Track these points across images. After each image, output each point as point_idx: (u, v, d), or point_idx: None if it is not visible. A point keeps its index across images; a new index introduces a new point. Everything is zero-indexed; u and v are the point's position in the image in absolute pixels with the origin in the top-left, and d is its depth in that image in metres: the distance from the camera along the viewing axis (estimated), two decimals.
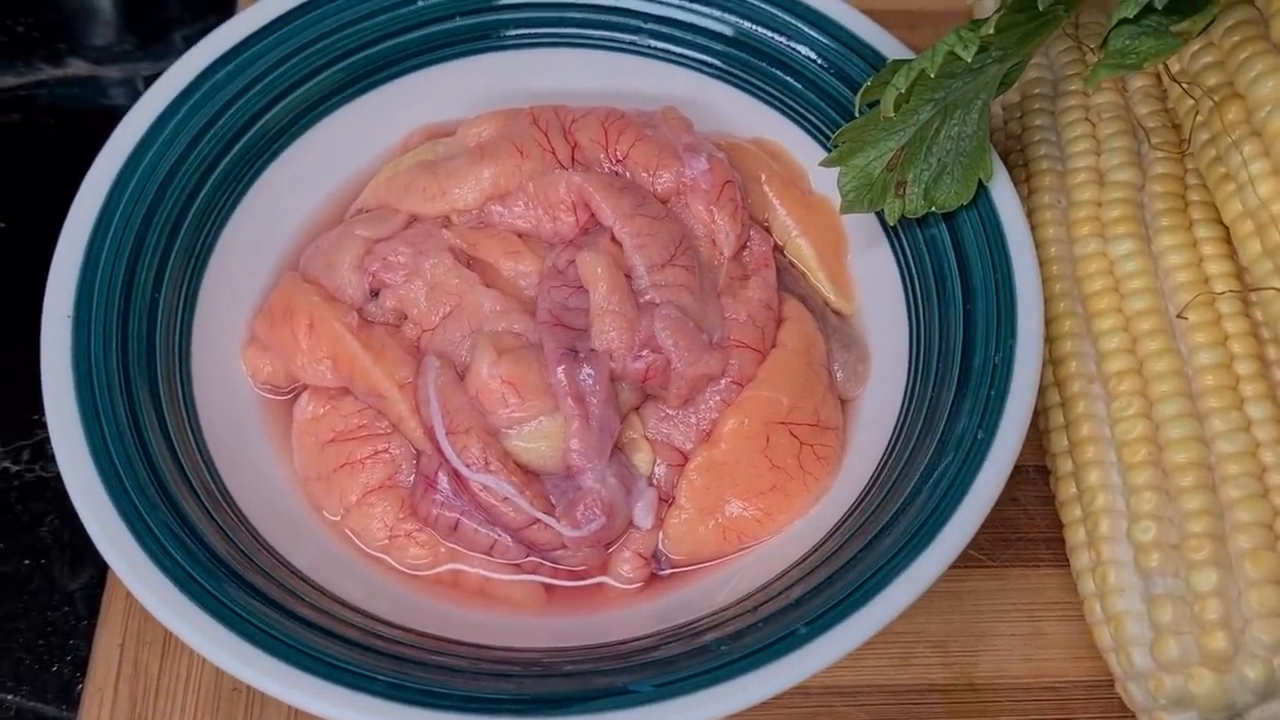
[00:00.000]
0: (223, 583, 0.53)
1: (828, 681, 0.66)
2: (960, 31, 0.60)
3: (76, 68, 0.89)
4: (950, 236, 0.65)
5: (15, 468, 0.76)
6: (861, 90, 0.63)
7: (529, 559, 0.61)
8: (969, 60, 0.59)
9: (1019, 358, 0.61)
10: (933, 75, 0.60)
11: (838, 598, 0.55)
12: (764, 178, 0.71)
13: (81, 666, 0.67)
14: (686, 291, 0.64)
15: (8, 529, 0.73)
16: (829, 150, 0.73)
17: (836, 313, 0.70)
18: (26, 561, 0.72)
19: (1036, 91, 0.76)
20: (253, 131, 0.69)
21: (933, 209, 0.64)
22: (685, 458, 0.62)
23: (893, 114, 0.62)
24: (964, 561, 0.66)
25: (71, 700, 0.67)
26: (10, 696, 0.68)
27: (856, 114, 0.66)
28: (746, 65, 0.74)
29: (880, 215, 0.67)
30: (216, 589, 0.53)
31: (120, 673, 0.65)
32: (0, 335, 0.77)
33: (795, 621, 0.54)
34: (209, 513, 0.57)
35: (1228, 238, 0.66)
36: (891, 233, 0.68)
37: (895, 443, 0.62)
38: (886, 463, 0.61)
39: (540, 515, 0.59)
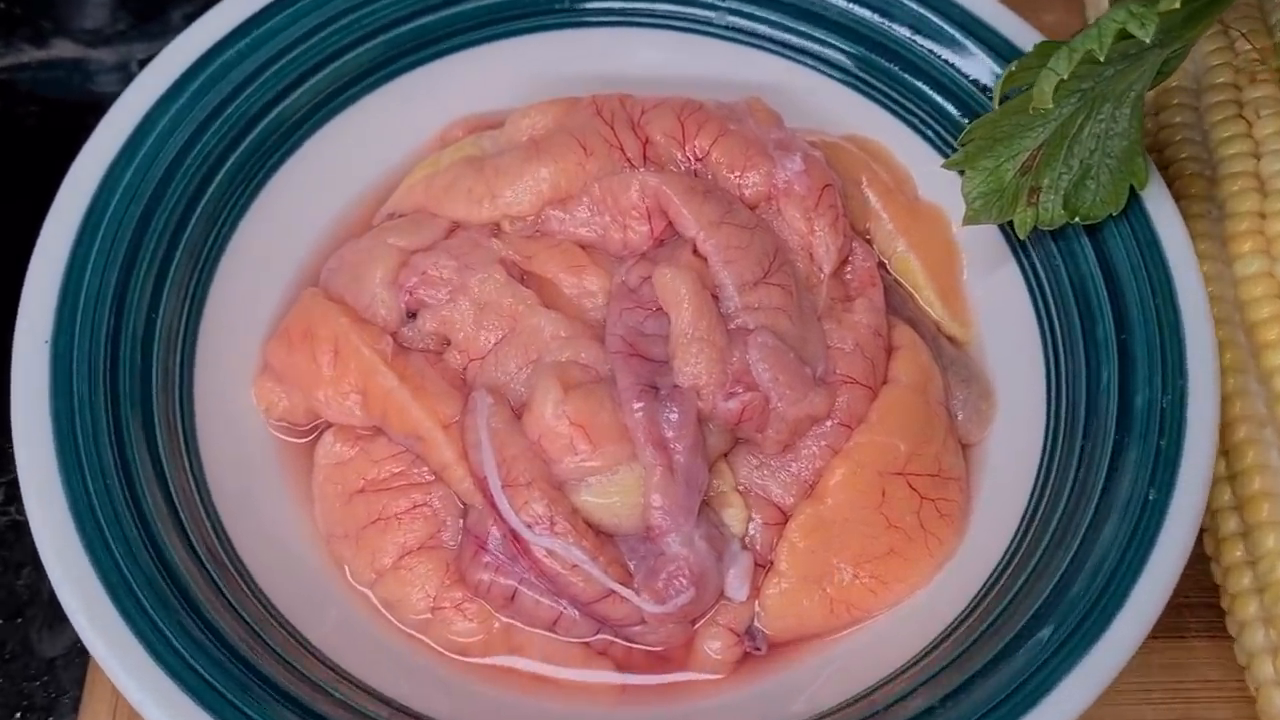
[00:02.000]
0: (228, 673, 0.47)
1: None
2: (1131, 7, 0.50)
3: (62, 49, 0.82)
4: (1096, 253, 0.58)
5: None
6: (1002, 76, 0.54)
7: (599, 636, 0.54)
8: (1147, 40, 0.49)
9: (1192, 401, 0.52)
10: (1102, 58, 0.50)
11: (987, 702, 0.46)
12: (864, 181, 0.64)
13: None
14: (784, 315, 0.56)
15: None
16: (939, 150, 0.65)
17: (951, 340, 0.62)
18: (0, 621, 0.63)
19: (1174, 84, 0.66)
20: (267, 121, 0.61)
21: (1074, 220, 0.57)
22: (785, 515, 0.55)
23: (1050, 105, 0.52)
24: (1131, 693, 0.57)
25: None
26: None
27: (995, 105, 0.55)
28: (841, 50, 0.66)
29: (1006, 227, 0.60)
30: (221, 681, 0.46)
31: None
32: None
33: None
34: (212, 580, 0.51)
35: None
36: (1019, 248, 0.61)
37: (1038, 501, 0.54)
38: (1030, 526, 0.54)
39: (616, 586, 0.52)
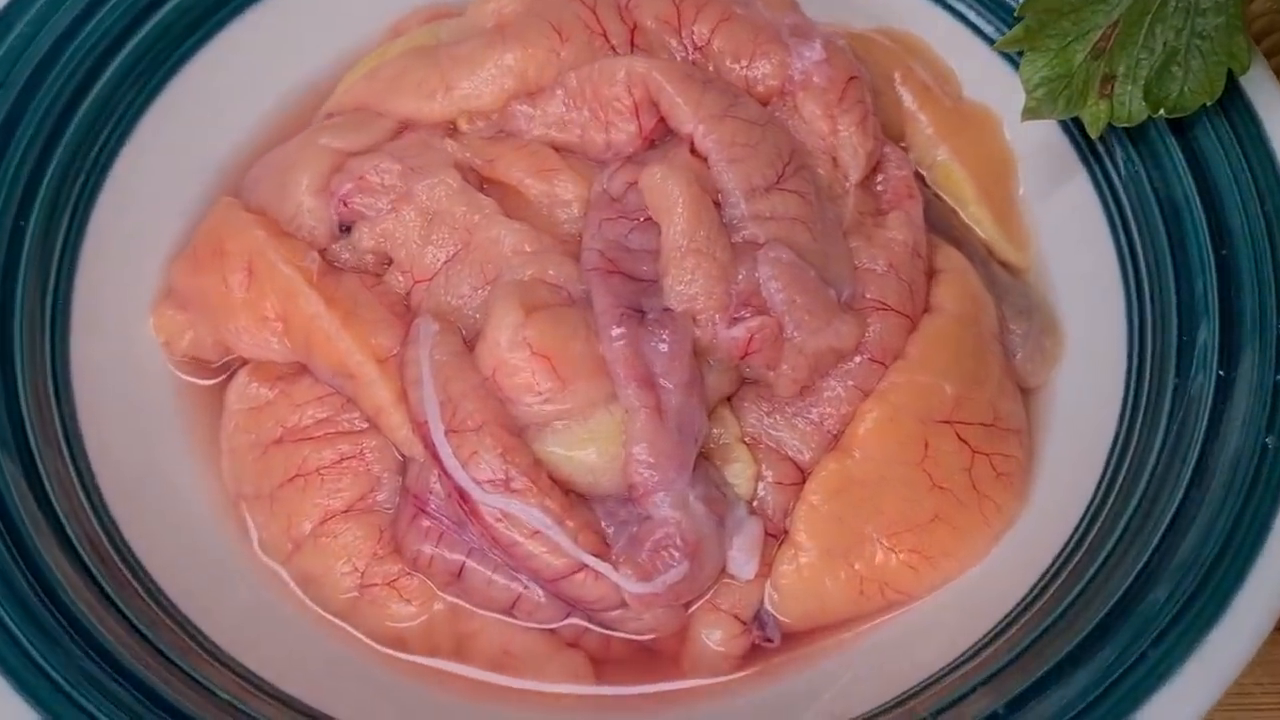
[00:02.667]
0: (113, 699, 0.38)
1: None
2: None
3: None
4: (1186, 153, 0.50)
5: None
6: None
7: (569, 622, 0.46)
8: None
9: None
10: None
11: (1066, 710, 0.37)
12: (898, 78, 0.57)
13: None
14: (801, 227, 0.48)
15: None
16: (987, 41, 0.57)
17: (1005, 266, 0.55)
18: None
19: None
20: None
21: (1158, 114, 0.49)
22: (803, 472, 0.48)
23: None
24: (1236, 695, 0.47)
25: None
26: None
27: None
28: None
29: (1070, 127, 0.53)
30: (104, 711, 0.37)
31: None
32: None
33: None
34: (88, 571, 0.42)
35: None
36: (1089, 152, 0.53)
37: (1120, 455, 0.46)
38: (1111, 487, 0.45)
39: (589, 559, 0.44)
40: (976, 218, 0.55)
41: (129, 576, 0.42)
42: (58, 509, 0.42)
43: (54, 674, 0.38)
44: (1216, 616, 0.37)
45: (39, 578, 0.39)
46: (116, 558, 0.43)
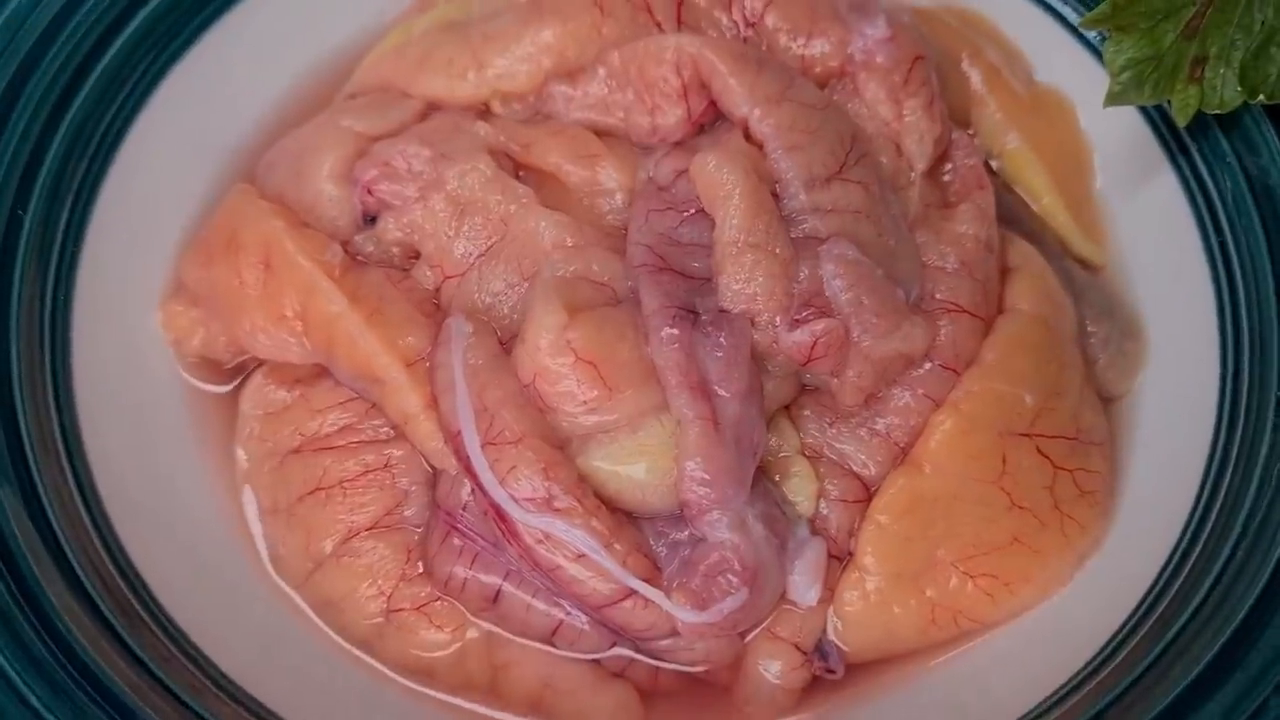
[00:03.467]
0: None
1: None
2: None
3: None
4: None
5: None
6: None
7: (614, 651, 0.43)
8: None
9: None
10: None
11: None
12: (965, 60, 0.54)
13: None
14: (865, 220, 0.46)
15: None
16: (1061, 20, 0.53)
17: (1082, 263, 0.52)
18: None
19: None
20: None
21: (1255, 99, 0.46)
22: (869, 489, 0.45)
23: None
24: None
25: None
26: None
27: None
28: None
29: (1153, 114, 0.49)
30: None
31: None
32: None
33: None
34: (92, 604, 0.40)
35: None
36: (1176, 142, 0.50)
37: (1219, 470, 0.43)
38: (1210, 506, 0.42)
39: (638, 584, 0.41)
40: (1050, 210, 0.52)
41: (138, 608, 0.40)
42: (60, 535, 0.40)
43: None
44: None
45: (41, 617, 0.37)
46: (124, 587, 0.41)
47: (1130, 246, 0.51)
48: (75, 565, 0.39)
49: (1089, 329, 0.48)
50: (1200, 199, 0.48)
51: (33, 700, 0.34)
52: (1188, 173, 0.49)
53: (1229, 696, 0.34)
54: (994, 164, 0.53)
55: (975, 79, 0.53)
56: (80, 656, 0.36)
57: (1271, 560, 0.37)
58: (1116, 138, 0.51)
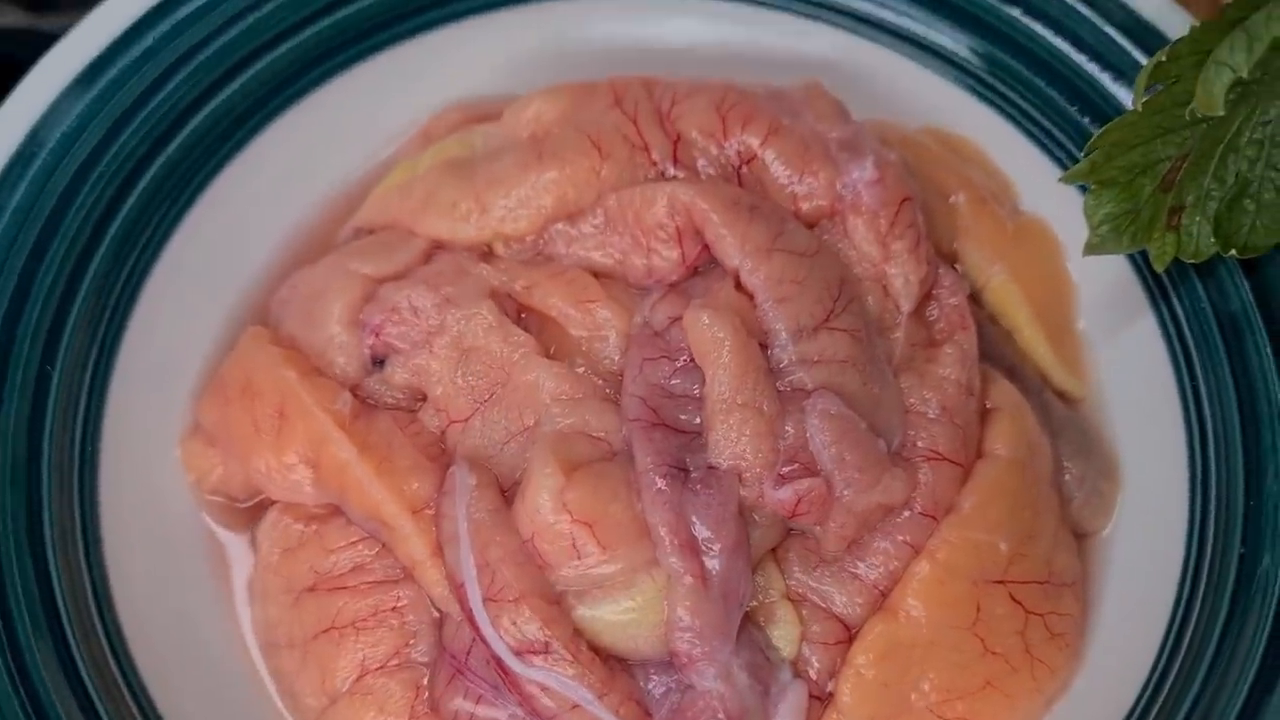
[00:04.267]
0: None
1: None
2: None
3: (9, 17, 0.72)
4: (1255, 293, 0.48)
5: None
6: (1148, 67, 0.44)
7: None
8: None
9: None
10: None
11: None
12: (953, 189, 0.54)
13: None
14: (852, 370, 0.46)
15: None
16: (1045, 149, 0.55)
17: (1061, 396, 0.53)
18: None
19: None
20: (205, 113, 0.52)
21: (1228, 252, 0.47)
22: (850, 631, 0.46)
23: (1221, 110, 0.39)
24: None
25: None
26: None
27: (1136, 104, 0.43)
28: (917, 20, 0.56)
29: (1137, 257, 0.51)
30: None
31: None
32: None
33: None
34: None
35: None
36: (1155, 285, 0.51)
37: (1184, 614, 0.44)
38: (1176, 648, 0.43)
39: None
40: (1032, 343, 0.52)
41: None
42: (88, 682, 0.41)
43: None
44: None
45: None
46: (133, 704, 0.42)
47: (1109, 383, 0.51)
48: (84, 671, 0.41)
49: (1065, 465, 0.49)
50: (1176, 341, 0.49)
51: None
52: (1165, 315, 0.50)
53: None
54: (978, 295, 0.52)
55: (963, 210, 0.53)
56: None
57: (1235, 710, 0.39)
58: (1100, 275, 0.52)
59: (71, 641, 0.41)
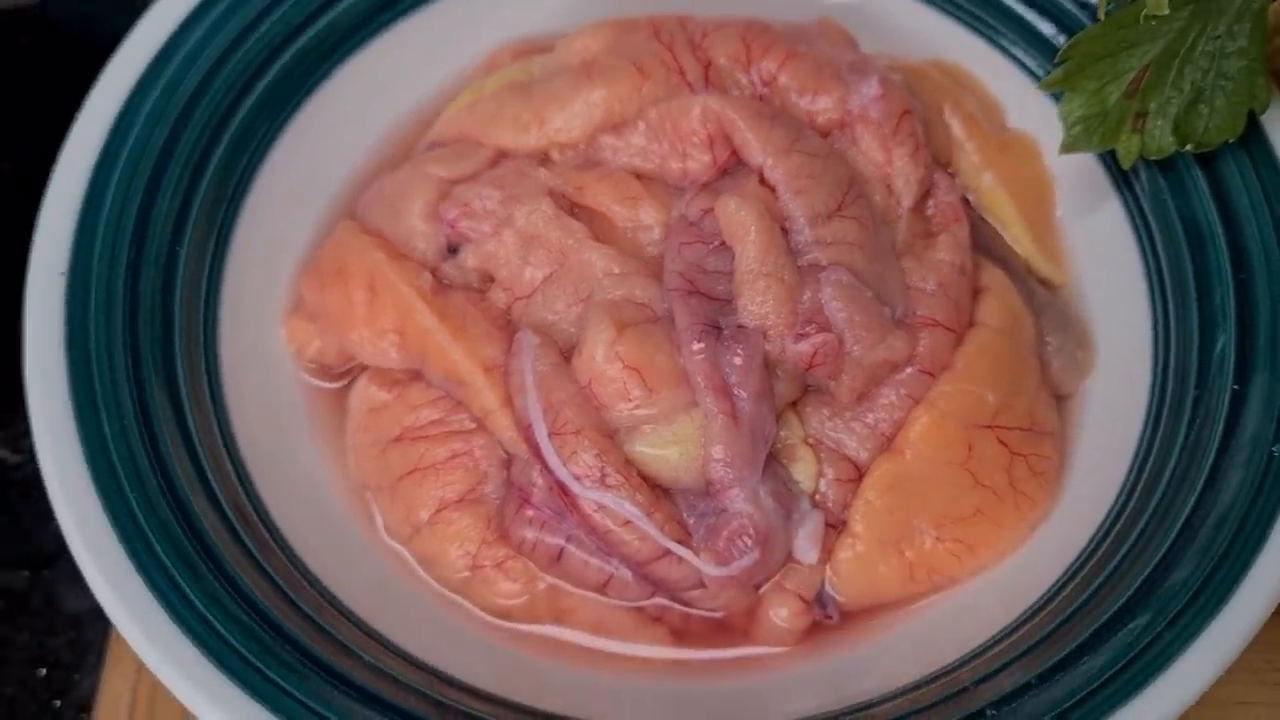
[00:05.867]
0: (255, 637, 0.43)
1: None
2: None
3: None
4: (1210, 186, 0.53)
5: (15, 458, 0.64)
6: None
7: (653, 600, 0.51)
8: None
9: None
10: None
11: (1089, 683, 0.41)
12: (947, 110, 0.59)
13: (85, 708, 0.56)
14: (859, 250, 0.52)
15: (4, 534, 0.62)
16: (1031, 75, 0.61)
17: (1044, 283, 0.58)
18: (25, 573, 0.61)
19: None
20: (302, 41, 0.58)
21: (1185, 148, 0.52)
22: (860, 471, 0.51)
23: (1166, 10, 0.46)
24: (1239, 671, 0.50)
25: None
26: None
27: (1100, 15, 0.50)
28: None
29: (1106, 158, 0.56)
30: (246, 647, 0.43)
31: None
32: (4, 296, 0.64)
33: (1040, 708, 0.40)
34: (238, 535, 0.47)
35: None
36: (1123, 181, 0.56)
37: (1144, 459, 0.50)
38: (1134, 487, 0.49)
39: (673, 545, 0.48)
40: (1018, 238, 0.58)
41: (272, 543, 0.47)
42: (211, 481, 0.47)
43: (206, 612, 0.43)
44: (1224, 601, 0.41)
45: (199, 538, 0.45)
46: (263, 528, 0.48)
47: (1084, 268, 0.57)
48: (225, 507, 0.47)
49: (1047, 339, 0.54)
50: (1141, 229, 0.55)
51: (192, 598, 0.43)
52: (1132, 206, 0.55)
53: (1134, 631, 0.42)
54: (970, 198, 0.58)
55: (956, 126, 0.58)
56: (227, 571, 0.44)
57: (1170, 536, 0.44)
58: (1074, 175, 0.57)
59: (206, 468, 0.47)
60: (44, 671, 0.58)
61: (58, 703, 0.57)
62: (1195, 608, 0.42)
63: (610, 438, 0.48)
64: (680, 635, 0.50)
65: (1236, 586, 0.42)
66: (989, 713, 0.41)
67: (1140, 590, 0.43)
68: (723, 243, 0.51)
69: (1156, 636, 0.41)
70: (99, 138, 0.52)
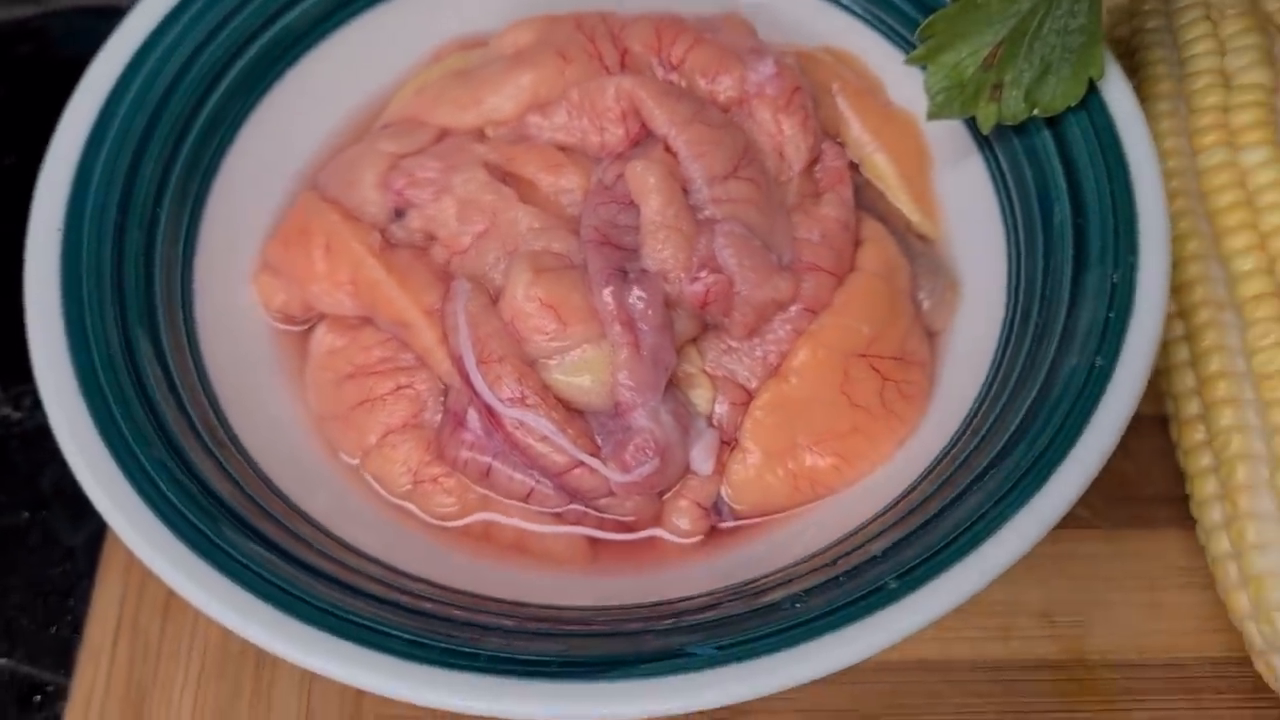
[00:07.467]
0: (226, 529, 0.49)
1: (917, 655, 0.58)
2: None
3: None
4: (1056, 144, 0.58)
5: (16, 414, 0.71)
6: None
7: (571, 508, 0.56)
8: None
9: (1143, 274, 0.53)
10: None
11: (932, 548, 0.47)
12: (836, 88, 0.65)
13: (80, 628, 0.62)
14: (752, 207, 0.58)
15: (6, 480, 0.68)
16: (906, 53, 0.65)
17: (920, 237, 0.64)
18: (25, 514, 0.68)
19: None
20: (269, 34, 0.64)
21: (1035, 113, 0.58)
22: (750, 396, 0.57)
23: None
24: (1071, 523, 0.58)
25: (68, 664, 0.60)
26: (3, 660, 0.62)
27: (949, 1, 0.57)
28: None
29: (971, 124, 0.61)
30: (219, 536, 0.49)
31: (119, 633, 0.61)
32: (6, 272, 0.71)
33: (882, 575, 0.47)
34: (212, 454, 0.53)
35: None
36: (985, 144, 0.61)
37: (994, 379, 0.55)
38: (984, 401, 0.54)
39: (584, 457, 0.54)
40: (900, 199, 0.63)
41: (242, 463, 0.53)
42: (188, 409, 0.53)
43: (192, 518, 0.48)
44: (1041, 485, 0.48)
45: (179, 454, 0.51)
46: (234, 450, 0.54)
47: (954, 221, 0.62)
48: (202, 433, 0.52)
49: (920, 283, 0.60)
50: (1000, 185, 0.60)
51: (165, 489, 0.48)
52: (993, 166, 0.61)
53: (968, 510, 0.48)
54: (858, 164, 0.64)
55: (843, 102, 0.65)
56: (201, 479, 0.49)
57: (1004, 437, 0.50)
58: (948, 143, 0.63)
59: (185, 401, 0.53)
60: (41, 599, 0.64)
61: (54, 627, 0.63)
62: (1017, 492, 0.48)
63: (530, 365, 0.54)
64: (594, 539, 0.56)
65: (1050, 476, 0.48)
66: (839, 576, 0.48)
67: (973, 484, 0.49)
68: (632, 201, 0.57)
69: (981, 517, 0.48)
70: (92, 112, 0.58)
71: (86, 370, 0.52)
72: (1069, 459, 0.49)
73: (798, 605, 0.46)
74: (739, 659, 0.44)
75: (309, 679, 0.58)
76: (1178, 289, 0.60)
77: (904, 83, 0.65)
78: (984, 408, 0.54)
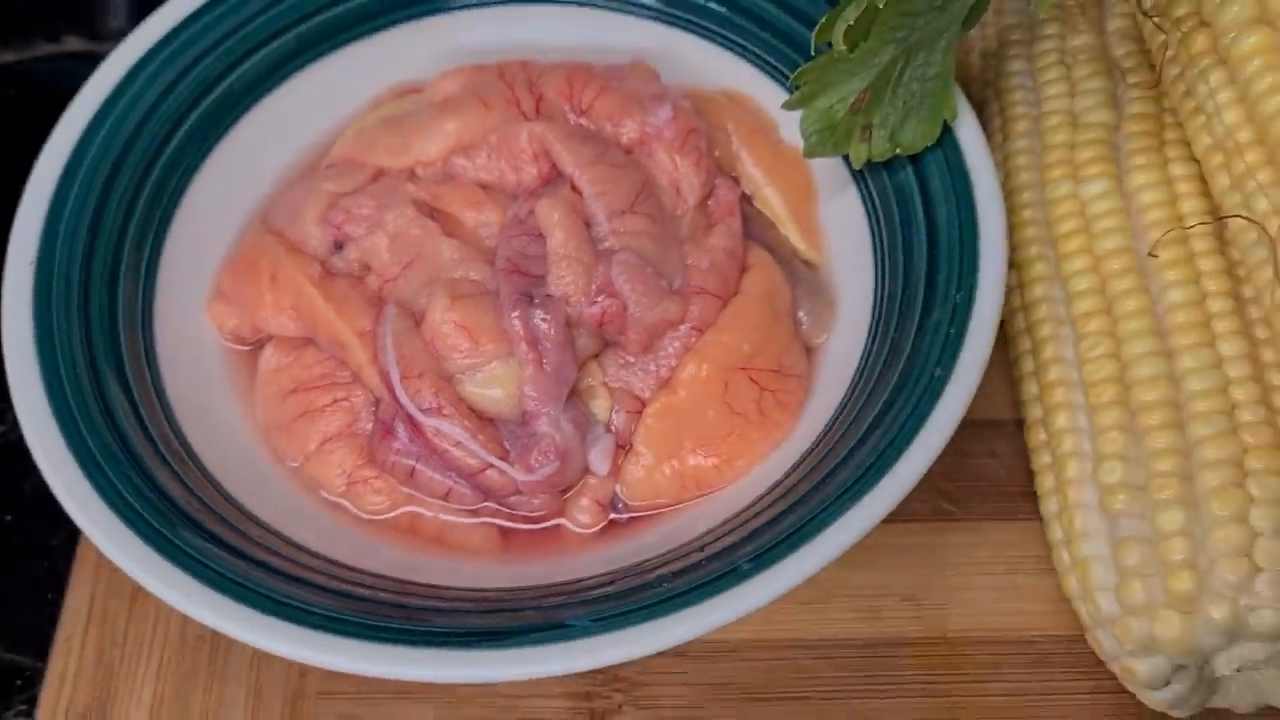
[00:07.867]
0: (182, 530, 0.54)
1: (793, 635, 0.65)
2: None
3: (73, 44, 0.92)
4: (917, 179, 0.64)
5: (1, 428, 0.78)
6: (817, 28, 0.61)
7: (485, 505, 0.62)
8: None
9: (980, 294, 0.60)
10: (880, 5, 0.59)
11: (784, 533, 0.54)
12: (731, 128, 0.71)
13: (53, 621, 0.68)
14: (647, 239, 0.64)
15: None
16: None
17: (806, 262, 0.69)
18: (9, 517, 0.74)
19: (1014, 38, 0.75)
20: (228, 82, 0.70)
21: (898, 152, 0.63)
22: (644, 405, 0.62)
23: (845, 49, 0.61)
24: (938, 515, 0.66)
25: (46, 651, 0.68)
26: None
27: (813, 53, 0.65)
28: (715, 16, 0.74)
29: (845, 160, 0.66)
30: (177, 537, 0.54)
31: (90, 623, 0.67)
32: None
33: (740, 557, 0.54)
34: (170, 465, 0.58)
35: (1203, 175, 0.64)
36: (859, 178, 0.67)
37: (856, 386, 0.61)
38: (845, 405, 0.60)
39: (493, 460, 0.60)
40: (788, 229, 0.68)
41: (197, 472, 0.59)
42: (146, 423, 0.59)
43: (151, 521, 0.54)
44: (881, 478, 0.54)
45: (138, 463, 0.56)
46: (187, 457, 0.59)
47: (833, 249, 0.69)
48: (158, 443, 0.58)
49: (801, 304, 0.66)
50: (872, 216, 0.67)
51: (129, 497, 0.54)
52: (866, 199, 0.67)
53: (821, 500, 0.54)
54: (750, 196, 0.71)
55: (738, 140, 0.71)
56: (158, 485, 0.55)
57: (856, 436, 0.56)
58: (831, 178, 0.70)
59: (143, 415, 0.59)
60: (24, 592, 0.70)
61: (34, 618, 0.69)
62: (861, 484, 0.55)
63: (447, 380, 0.59)
64: (505, 532, 0.61)
65: (892, 467, 0.55)
66: (705, 558, 0.55)
67: (827, 477, 0.56)
68: (542, 235, 0.62)
69: (837, 498, 0.54)
70: (64, 155, 0.64)
71: (57, 393, 0.59)
72: (904, 458, 0.55)
73: (665, 584, 0.54)
74: (609, 629, 0.51)
75: (258, 661, 0.65)
76: (1027, 308, 0.67)
77: (794, 123, 0.70)
78: (844, 413, 0.61)
